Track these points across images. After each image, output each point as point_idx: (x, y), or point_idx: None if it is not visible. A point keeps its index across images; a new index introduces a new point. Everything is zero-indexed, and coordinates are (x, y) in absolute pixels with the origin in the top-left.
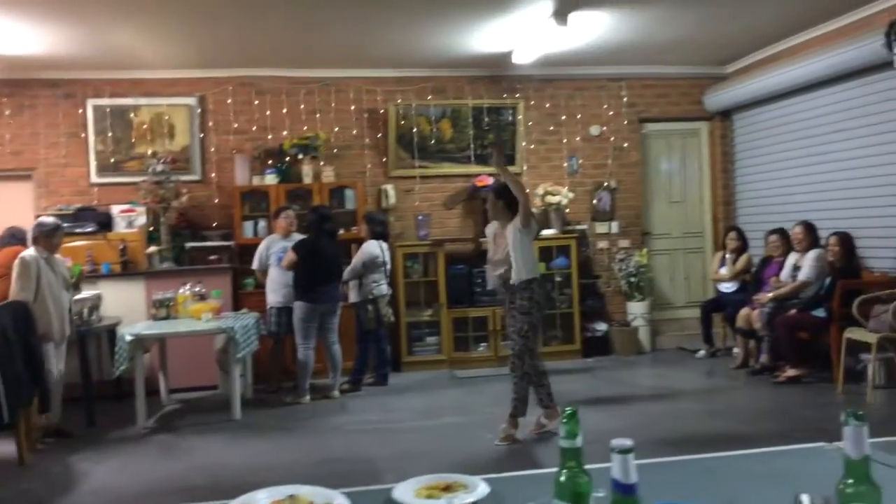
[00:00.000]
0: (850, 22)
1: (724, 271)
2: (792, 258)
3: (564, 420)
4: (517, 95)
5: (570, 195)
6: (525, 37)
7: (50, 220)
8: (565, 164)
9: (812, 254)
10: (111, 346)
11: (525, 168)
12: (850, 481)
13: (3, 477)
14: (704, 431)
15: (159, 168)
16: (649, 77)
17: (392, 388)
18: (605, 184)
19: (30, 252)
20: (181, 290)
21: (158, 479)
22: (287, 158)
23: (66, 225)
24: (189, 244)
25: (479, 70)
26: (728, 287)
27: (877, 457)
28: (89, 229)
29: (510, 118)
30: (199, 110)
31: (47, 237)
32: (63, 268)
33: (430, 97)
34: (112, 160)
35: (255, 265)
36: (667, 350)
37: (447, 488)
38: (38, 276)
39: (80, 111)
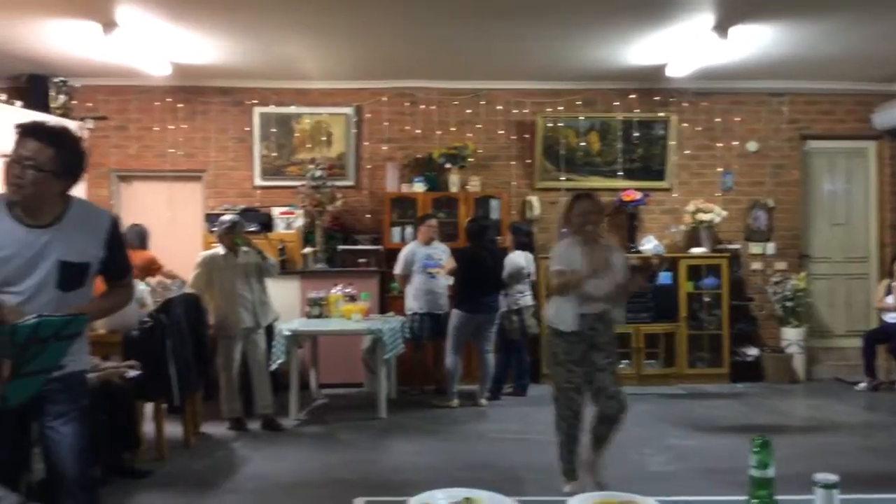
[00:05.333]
0: None
1: (890, 300)
2: None
3: (756, 449)
4: (670, 109)
5: (723, 213)
6: (682, 50)
7: (227, 217)
8: (718, 181)
9: None
10: (269, 341)
11: (675, 184)
12: None
13: (172, 457)
14: (866, 469)
15: (317, 173)
16: (813, 92)
17: (531, 399)
18: (762, 202)
19: (211, 250)
20: (333, 291)
21: (311, 469)
22: (435, 167)
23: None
24: (341, 247)
25: (631, 83)
26: (894, 317)
27: None
28: (252, 229)
29: (661, 132)
30: (355, 119)
31: (226, 234)
32: (249, 258)
33: (579, 110)
34: (274, 165)
35: (398, 270)
36: (823, 380)
37: None
38: (211, 272)
39: (248, 118)
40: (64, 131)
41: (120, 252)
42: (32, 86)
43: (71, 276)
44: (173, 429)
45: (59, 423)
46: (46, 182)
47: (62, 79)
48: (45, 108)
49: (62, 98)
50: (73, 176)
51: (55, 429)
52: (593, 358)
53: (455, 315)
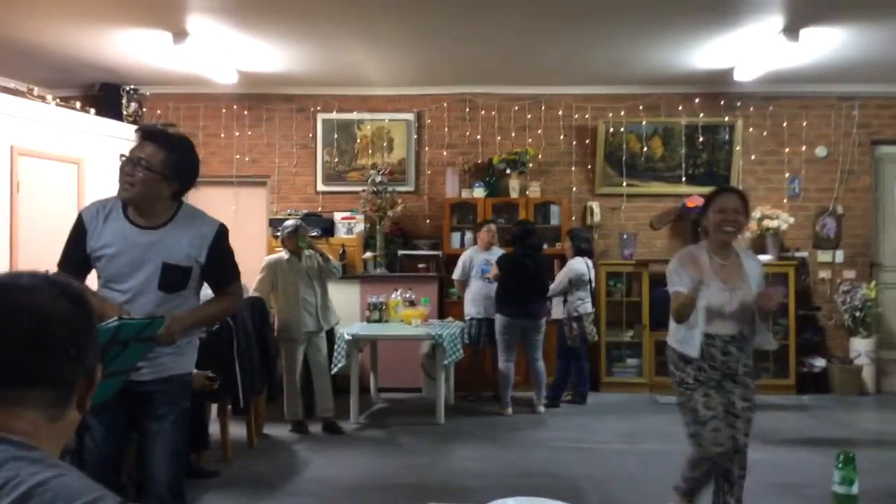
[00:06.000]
0: None
1: None
2: None
3: (840, 465)
4: (736, 113)
5: (790, 220)
6: (750, 53)
7: (291, 222)
8: (786, 187)
9: None
10: (330, 345)
11: (741, 189)
12: None
13: (235, 457)
14: None
15: (378, 179)
16: (885, 96)
17: (591, 408)
18: (831, 209)
19: (275, 254)
20: (393, 295)
21: (372, 473)
22: (495, 173)
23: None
24: (401, 252)
25: (696, 87)
26: None
27: None
28: (314, 234)
29: (727, 137)
30: (416, 125)
31: (289, 238)
32: (311, 262)
33: (641, 114)
34: (337, 170)
35: (456, 275)
36: (893, 393)
37: None
38: (275, 276)
39: (311, 124)
40: (180, 138)
41: (225, 260)
42: (105, 94)
43: (173, 278)
44: (237, 430)
45: (158, 425)
46: (155, 183)
47: (133, 87)
48: (117, 115)
49: (133, 106)
50: (183, 181)
51: (153, 430)
52: (730, 396)
53: (497, 319)
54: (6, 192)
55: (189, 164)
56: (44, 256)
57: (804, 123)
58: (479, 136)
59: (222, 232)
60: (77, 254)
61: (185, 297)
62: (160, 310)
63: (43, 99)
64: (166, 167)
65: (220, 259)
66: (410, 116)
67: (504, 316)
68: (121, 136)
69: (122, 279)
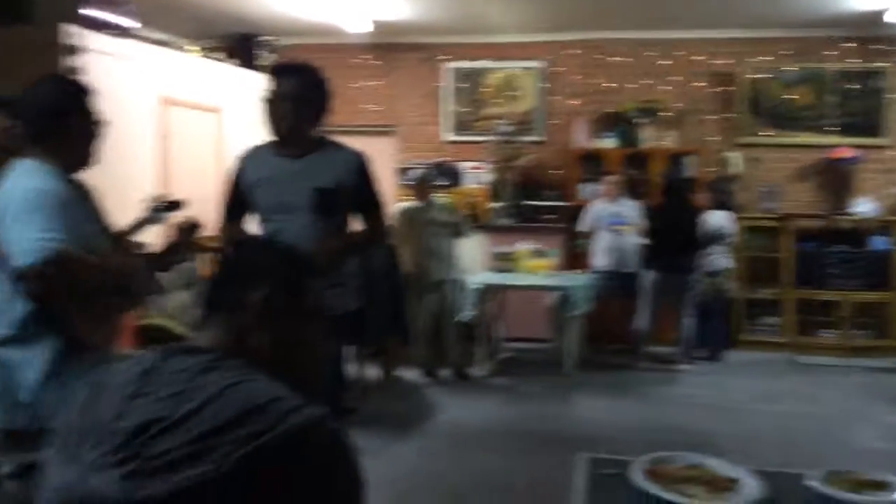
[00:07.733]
0: None
1: None
2: None
3: None
4: (890, 59)
5: None
6: None
7: (419, 171)
8: None
9: None
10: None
11: (895, 140)
12: None
13: (372, 397)
14: None
15: (506, 128)
16: None
17: (726, 366)
18: None
19: (406, 203)
20: (520, 246)
21: (499, 419)
22: (626, 122)
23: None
24: (528, 202)
25: (846, 30)
26: None
27: None
28: (442, 183)
29: (880, 84)
30: (545, 73)
31: (417, 186)
32: (444, 214)
33: (786, 60)
34: (464, 120)
35: (582, 226)
36: None
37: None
38: (406, 224)
39: (439, 73)
40: (303, 65)
41: (369, 185)
42: (241, 45)
43: (324, 200)
44: (371, 372)
45: None
46: (294, 111)
47: (268, 38)
48: (252, 66)
49: (270, 57)
50: (317, 103)
51: None
52: None
53: (647, 274)
54: (155, 140)
55: (317, 86)
56: (189, 202)
57: None
58: (610, 84)
59: (364, 159)
60: (235, 197)
61: (338, 223)
62: (316, 235)
63: (185, 50)
64: (298, 93)
65: (364, 184)
66: (539, 64)
67: (647, 270)
68: (257, 86)
69: (277, 208)
